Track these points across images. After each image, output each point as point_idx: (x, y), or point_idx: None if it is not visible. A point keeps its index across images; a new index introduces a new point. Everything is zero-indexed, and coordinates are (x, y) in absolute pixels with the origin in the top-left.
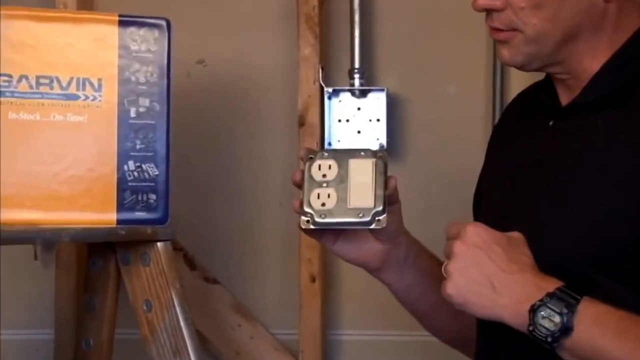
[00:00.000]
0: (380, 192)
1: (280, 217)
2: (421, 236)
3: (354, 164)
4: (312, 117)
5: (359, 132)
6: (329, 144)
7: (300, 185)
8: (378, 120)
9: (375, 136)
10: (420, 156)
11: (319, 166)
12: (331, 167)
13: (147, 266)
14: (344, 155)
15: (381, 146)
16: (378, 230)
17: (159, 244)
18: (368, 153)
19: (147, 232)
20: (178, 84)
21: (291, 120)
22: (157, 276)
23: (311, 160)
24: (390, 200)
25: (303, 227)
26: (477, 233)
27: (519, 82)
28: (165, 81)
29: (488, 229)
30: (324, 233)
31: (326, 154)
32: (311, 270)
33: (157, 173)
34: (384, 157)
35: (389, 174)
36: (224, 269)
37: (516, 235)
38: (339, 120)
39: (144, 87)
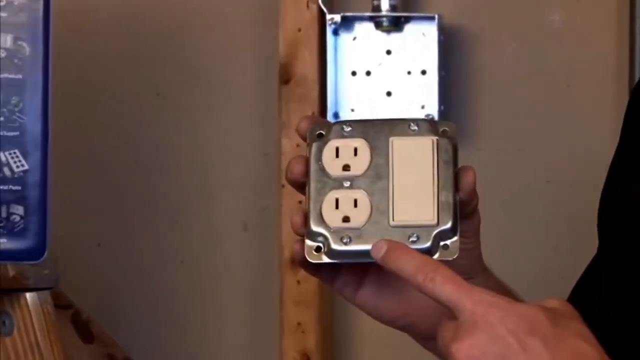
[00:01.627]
0: (448, 196)
1: (245, 248)
2: (501, 269)
3: (399, 145)
4: (304, 66)
5: (388, 93)
6: (335, 115)
7: (302, 185)
8: (423, 72)
9: (417, 102)
10: (498, 138)
11: (337, 150)
12: (358, 152)
13: (8, 336)
14: (380, 130)
15: (430, 118)
16: None
17: (28, 295)
18: (423, 126)
19: (8, 276)
20: (66, 15)
21: (266, 73)
22: (24, 354)
23: (321, 139)
24: (464, 211)
25: (311, 260)
26: (500, 321)
27: None
28: (40, 4)
29: (523, 311)
30: (341, 272)
31: (348, 128)
32: (302, 344)
33: (25, 168)
34: (451, 132)
35: (460, 162)
36: (149, 338)
37: (562, 307)
38: (353, 73)
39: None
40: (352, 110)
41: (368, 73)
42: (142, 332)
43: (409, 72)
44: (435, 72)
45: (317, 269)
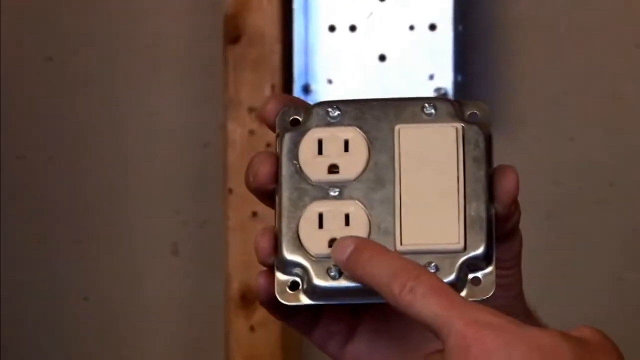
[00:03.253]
0: (479, 209)
1: (175, 280)
2: (548, 306)
3: (409, 136)
4: (261, 18)
5: (382, 57)
6: (305, 88)
7: (269, 195)
8: (432, 27)
9: (423, 70)
10: (541, 122)
11: (319, 144)
12: (351, 147)
13: None
14: (381, 115)
15: (441, 94)
16: None
17: None
18: (442, 108)
19: None
20: None
21: (206, 28)
22: None
23: (297, 128)
24: (503, 229)
25: (284, 301)
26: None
27: None
28: None
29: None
30: (324, 317)
31: (336, 112)
32: None
33: None
34: (483, 117)
35: (495, 159)
36: None
37: (596, 338)
38: (332, 29)
39: None
40: (330, 81)
41: (352, 28)
42: None
43: (411, 27)
44: (449, 27)
45: (290, 314)
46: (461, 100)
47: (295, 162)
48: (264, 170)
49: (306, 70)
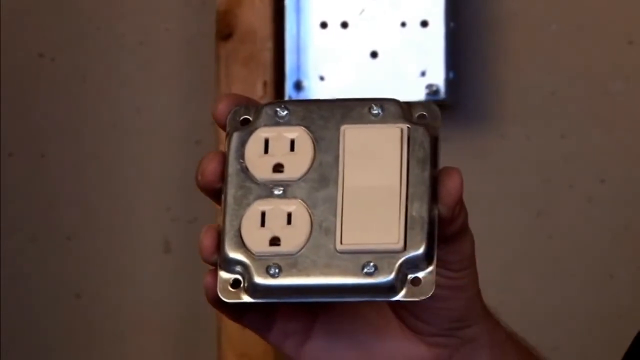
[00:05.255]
0: (421, 209)
1: (166, 277)
2: (538, 303)
3: (354, 137)
4: (252, 15)
5: (374, 54)
6: (297, 85)
7: (218, 194)
8: (424, 24)
9: (415, 66)
10: (532, 119)
11: (266, 143)
12: (296, 147)
13: None
14: (328, 115)
15: (432, 91)
16: (415, 309)
17: None
18: (390, 109)
19: None
20: None
21: (198, 25)
22: None
23: (246, 127)
24: (447, 231)
25: (225, 298)
26: None
27: None
28: None
29: None
30: (278, 317)
31: (284, 112)
32: None
33: None
34: (431, 118)
35: (441, 161)
36: None
37: None
38: (323, 25)
39: None
40: (321, 78)
41: (344, 25)
42: None
43: (403, 24)
44: (441, 24)
45: (239, 313)
46: (411, 102)
47: (241, 160)
48: (210, 168)
49: (298, 67)
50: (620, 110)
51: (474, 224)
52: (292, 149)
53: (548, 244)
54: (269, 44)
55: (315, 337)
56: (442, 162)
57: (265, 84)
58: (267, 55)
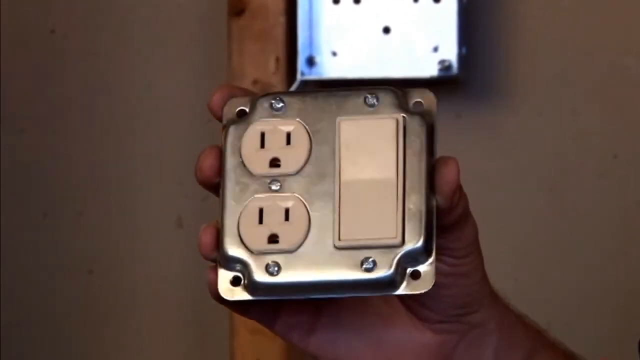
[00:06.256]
0: (419, 202)
1: (179, 253)
2: (547, 282)
3: (349, 130)
4: None
5: (386, 30)
6: (309, 60)
7: (215, 187)
8: (436, 0)
9: (428, 42)
10: (545, 95)
11: (262, 136)
12: (292, 140)
13: None
14: (324, 107)
15: (445, 67)
16: (418, 301)
17: None
18: (385, 98)
19: None
20: None
21: (210, 1)
22: None
23: (242, 120)
24: (446, 220)
25: (226, 296)
26: None
27: None
28: None
29: None
30: (284, 310)
31: (280, 104)
32: None
33: None
34: (428, 106)
35: (438, 150)
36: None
37: None
38: (336, 1)
39: None
40: (334, 53)
41: (357, 0)
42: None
43: (415, 0)
44: (453, 0)
45: (243, 307)
46: (407, 89)
47: (238, 155)
48: (207, 163)
49: (310, 43)
50: (632, 86)
51: (485, 200)
52: (288, 142)
53: (560, 220)
54: (282, 20)
55: (321, 328)
56: (456, 139)
57: (277, 59)
58: (280, 31)
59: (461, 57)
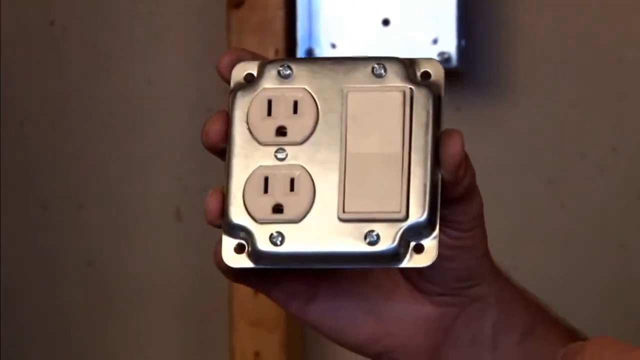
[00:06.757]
0: (423, 175)
1: (178, 245)
2: (548, 272)
3: (356, 100)
4: None
5: (385, 22)
6: (309, 52)
7: (221, 152)
8: None
9: (427, 34)
10: (544, 88)
11: (269, 103)
12: (300, 108)
13: None
14: (331, 75)
15: (444, 59)
16: (420, 274)
17: None
18: (393, 68)
19: None
20: None
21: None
22: None
23: (249, 86)
24: (452, 194)
25: (229, 263)
26: None
27: None
28: None
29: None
30: (283, 277)
31: (287, 70)
32: None
33: None
34: (435, 76)
35: (444, 122)
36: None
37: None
38: None
39: None
40: (333, 45)
41: None
42: (39, 356)
43: None
44: None
45: (243, 274)
46: (414, 59)
47: (245, 122)
48: (214, 129)
49: (310, 35)
50: (631, 78)
51: (484, 192)
52: (295, 111)
53: (559, 213)
54: (280, 12)
55: (321, 297)
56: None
57: (276, 51)
58: (279, 23)
59: (460, 49)
